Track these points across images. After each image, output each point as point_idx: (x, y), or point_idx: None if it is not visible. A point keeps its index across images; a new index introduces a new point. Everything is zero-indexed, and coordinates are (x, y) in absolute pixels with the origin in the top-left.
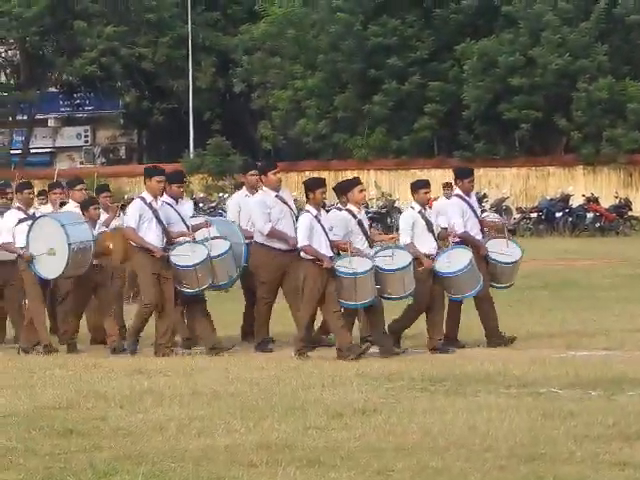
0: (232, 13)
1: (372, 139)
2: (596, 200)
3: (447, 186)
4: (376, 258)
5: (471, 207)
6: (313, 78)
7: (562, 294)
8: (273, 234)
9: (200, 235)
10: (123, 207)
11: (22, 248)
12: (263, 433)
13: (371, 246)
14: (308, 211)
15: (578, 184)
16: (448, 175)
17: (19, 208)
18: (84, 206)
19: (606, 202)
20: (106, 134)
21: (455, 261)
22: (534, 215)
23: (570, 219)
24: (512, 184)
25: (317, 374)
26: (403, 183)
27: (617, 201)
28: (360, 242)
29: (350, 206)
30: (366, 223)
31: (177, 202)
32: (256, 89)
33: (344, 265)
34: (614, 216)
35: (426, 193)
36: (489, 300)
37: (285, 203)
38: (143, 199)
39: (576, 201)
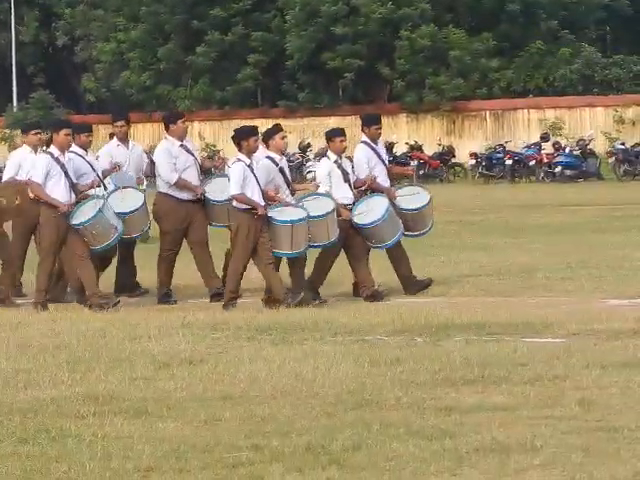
0: None
1: (196, 90)
2: (420, 148)
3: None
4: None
5: (378, 154)
6: (136, 30)
7: None
8: (179, 184)
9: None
10: None
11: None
12: (90, 385)
13: (292, 194)
14: (241, 160)
15: (402, 132)
16: (271, 124)
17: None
18: None
19: (430, 150)
20: None
21: (373, 210)
22: None
23: None
24: None
25: (143, 325)
26: (227, 134)
27: (440, 148)
28: (283, 190)
29: (271, 153)
30: (287, 171)
31: (87, 152)
32: (79, 42)
33: (278, 213)
34: (438, 163)
35: (342, 142)
36: (400, 247)
37: (190, 152)
38: (51, 154)
39: (400, 149)
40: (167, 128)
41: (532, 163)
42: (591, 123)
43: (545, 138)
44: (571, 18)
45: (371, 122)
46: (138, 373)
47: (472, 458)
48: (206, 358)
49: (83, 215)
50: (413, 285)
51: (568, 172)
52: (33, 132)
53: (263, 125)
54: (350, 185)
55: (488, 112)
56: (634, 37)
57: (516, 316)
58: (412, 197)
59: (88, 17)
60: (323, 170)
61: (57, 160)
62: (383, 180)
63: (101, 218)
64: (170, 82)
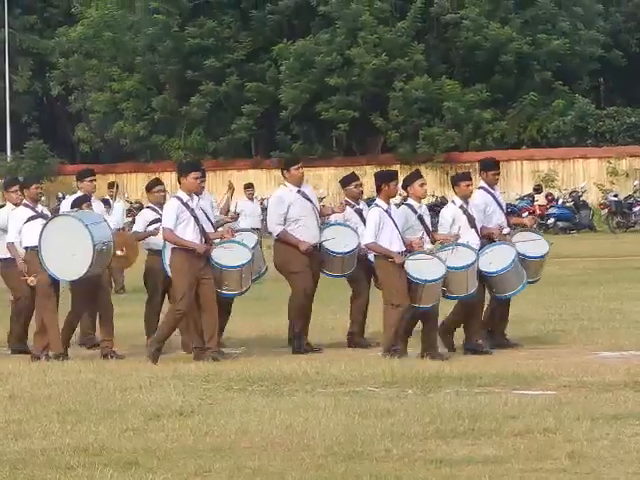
0: (49, 16)
1: (190, 140)
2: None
3: (248, 186)
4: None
5: (496, 200)
6: (130, 80)
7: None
8: (283, 237)
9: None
10: None
11: (34, 247)
12: (80, 436)
13: (433, 243)
14: (378, 205)
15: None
16: (265, 176)
17: (26, 205)
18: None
19: (423, 201)
20: None
21: (499, 258)
22: None
23: None
24: (329, 184)
25: (134, 376)
26: (220, 184)
27: (434, 199)
28: (423, 239)
29: (411, 200)
30: (427, 219)
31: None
32: (73, 92)
33: (414, 268)
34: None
35: (468, 186)
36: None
37: (307, 199)
38: (179, 198)
39: (394, 200)
40: (283, 175)
41: (525, 215)
42: (584, 175)
43: (538, 190)
44: (565, 69)
45: (489, 167)
46: (128, 424)
47: None
48: (197, 409)
49: (233, 259)
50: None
51: (561, 224)
52: (13, 189)
53: (256, 176)
54: (477, 231)
55: None
56: (628, 89)
57: (507, 368)
58: (530, 244)
59: (82, 67)
60: (447, 215)
61: (186, 205)
62: (502, 228)
63: (251, 262)
64: (164, 132)
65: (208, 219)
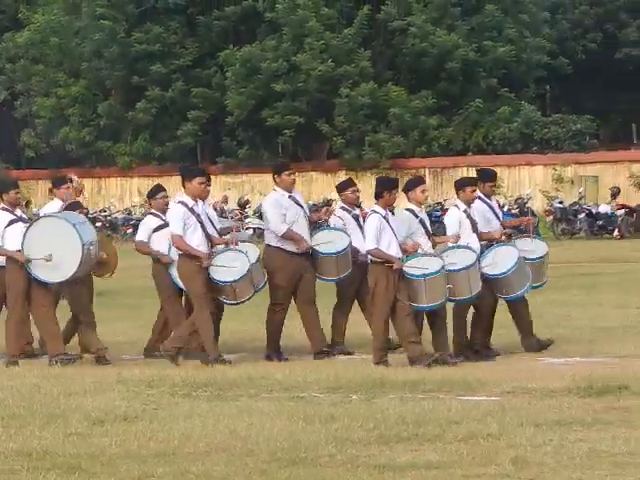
0: None
1: (135, 146)
2: (359, 205)
3: None
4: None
5: (492, 210)
6: (76, 85)
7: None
8: (287, 235)
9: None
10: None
11: (17, 251)
12: (24, 440)
13: (434, 246)
14: (376, 212)
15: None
16: (212, 182)
17: (5, 209)
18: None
19: (369, 207)
20: None
21: (502, 260)
22: None
23: None
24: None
25: (78, 381)
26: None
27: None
28: (423, 242)
29: (411, 205)
30: (428, 222)
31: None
32: (19, 97)
33: (413, 266)
34: None
35: (472, 192)
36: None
37: (299, 204)
38: (185, 204)
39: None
40: (274, 180)
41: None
42: (530, 181)
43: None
44: (511, 76)
45: (486, 179)
46: (72, 429)
47: None
48: (141, 415)
49: (229, 273)
50: (534, 343)
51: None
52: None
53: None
54: (478, 235)
55: (427, 170)
56: (573, 96)
57: (451, 374)
58: (529, 247)
59: (29, 72)
60: (453, 219)
61: (192, 210)
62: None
63: (248, 277)
64: (110, 138)
65: (212, 225)
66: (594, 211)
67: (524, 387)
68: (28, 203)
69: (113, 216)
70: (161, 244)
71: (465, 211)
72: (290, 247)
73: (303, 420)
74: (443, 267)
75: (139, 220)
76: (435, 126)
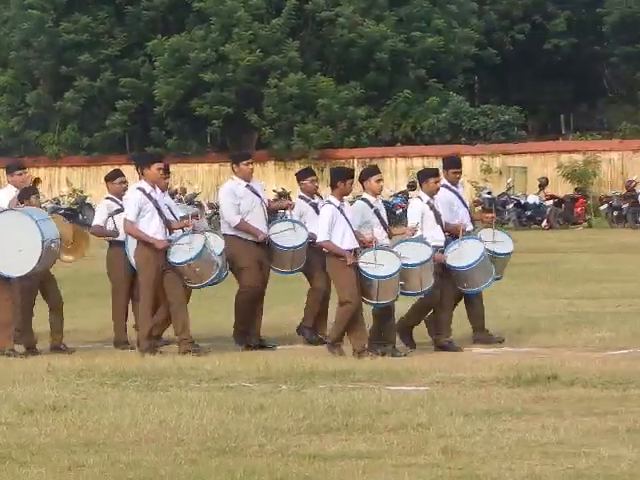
0: None
1: (64, 136)
2: (287, 195)
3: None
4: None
5: (459, 197)
6: (4, 75)
7: None
8: (241, 227)
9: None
10: None
11: None
12: None
13: (390, 237)
14: (331, 202)
15: (269, 179)
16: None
17: None
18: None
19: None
20: None
21: (467, 253)
22: None
23: None
24: (204, 180)
25: (7, 371)
26: (94, 179)
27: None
28: (378, 233)
29: (366, 195)
30: (384, 213)
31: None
32: None
33: (368, 262)
34: None
35: (436, 182)
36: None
37: (256, 193)
38: (142, 189)
39: (268, 195)
40: (232, 169)
41: (399, 212)
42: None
43: (412, 187)
44: (439, 67)
45: (450, 166)
46: (2, 419)
47: None
48: (70, 404)
49: (185, 253)
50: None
51: None
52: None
53: (131, 172)
54: (442, 227)
55: (356, 160)
56: (502, 87)
57: (380, 364)
58: (495, 242)
59: None
60: (416, 211)
61: (149, 196)
62: (465, 225)
63: (205, 254)
64: (38, 127)
65: (172, 213)
66: (522, 202)
67: (453, 377)
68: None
69: (42, 205)
70: (120, 228)
71: (428, 202)
72: (246, 236)
73: (233, 410)
74: (398, 270)
75: (68, 209)
76: (363, 116)
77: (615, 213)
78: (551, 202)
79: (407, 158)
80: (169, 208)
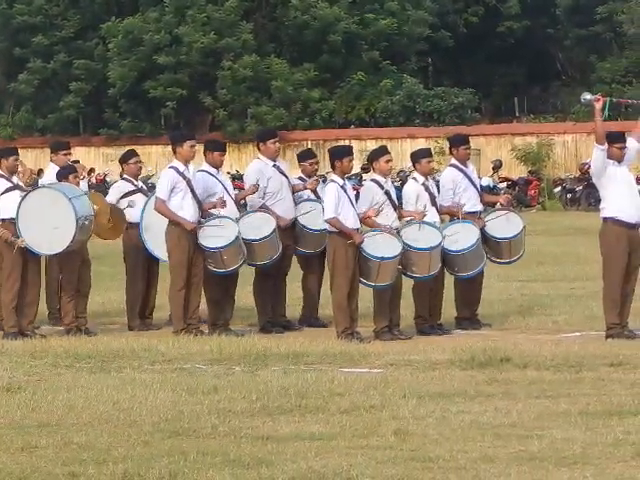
0: None
1: (18, 118)
2: (240, 177)
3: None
4: (404, 233)
5: (468, 177)
6: None
7: None
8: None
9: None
10: None
11: (11, 220)
12: None
13: (400, 219)
14: (334, 181)
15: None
16: (94, 153)
17: (1, 176)
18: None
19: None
20: None
21: (462, 237)
22: None
23: None
24: (158, 162)
25: None
26: (48, 161)
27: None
28: (389, 214)
29: (376, 176)
30: (394, 194)
31: (218, 170)
32: None
33: (372, 244)
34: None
35: (429, 162)
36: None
37: (283, 174)
38: (175, 168)
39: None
40: (258, 147)
41: (353, 194)
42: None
43: (366, 169)
44: (393, 49)
45: (459, 142)
46: None
47: None
48: (24, 386)
49: (217, 239)
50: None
51: None
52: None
53: (85, 154)
54: (437, 208)
55: (310, 142)
56: (455, 69)
57: (334, 346)
58: (504, 225)
59: None
60: (411, 192)
61: (182, 175)
62: (474, 205)
63: (236, 244)
64: None
65: (228, 192)
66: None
67: (406, 359)
68: (40, 171)
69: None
70: (133, 211)
71: (423, 184)
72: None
73: (186, 391)
74: (401, 252)
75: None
76: (317, 99)
77: (569, 196)
78: (505, 185)
79: (361, 140)
80: (225, 188)
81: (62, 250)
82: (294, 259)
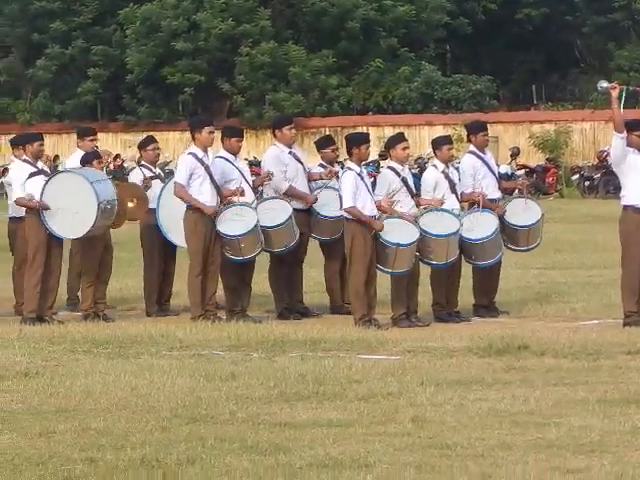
0: None
1: (35, 103)
2: (258, 164)
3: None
4: (422, 220)
5: (487, 164)
6: None
7: None
8: (289, 192)
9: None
10: None
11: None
12: None
13: (417, 206)
14: (351, 169)
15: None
16: (112, 139)
17: (26, 161)
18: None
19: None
20: None
21: (480, 226)
22: None
23: None
24: (175, 148)
25: None
26: (66, 147)
27: None
28: (406, 202)
29: (393, 163)
30: (411, 181)
31: (236, 157)
32: None
33: (387, 231)
34: None
35: (449, 149)
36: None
37: (299, 160)
38: (194, 154)
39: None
40: (274, 134)
41: (371, 180)
42: (430, 141)
43: (384, 156)
44: (411, 36)
45: (477, 129)
46: None
47: (305, 473)
48: (42, 371)
49: (237, 226)
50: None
51: None
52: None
53: (102, 139)
54: (457, 196)
55: (328, 129)
56: (473, 56)
57: (351, 333)
58: (522, 212)
59: None
60: (430, 180)
61: (201, 161)
62: (492, 192)
63: (255, 232)
64: (10, 95)
65: (245, 179)
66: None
67: (424, 346)
68: (56, 157)
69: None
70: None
71: (443, 171)
72: (293, 204)
73: (204, 378)
74: (418, 238)
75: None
76: (335, 85)
77: (587, 183)
78: (523, 172)
79: (379, 127)
80: (242, 174)
81: (84, 234)
82: (316, 246)
